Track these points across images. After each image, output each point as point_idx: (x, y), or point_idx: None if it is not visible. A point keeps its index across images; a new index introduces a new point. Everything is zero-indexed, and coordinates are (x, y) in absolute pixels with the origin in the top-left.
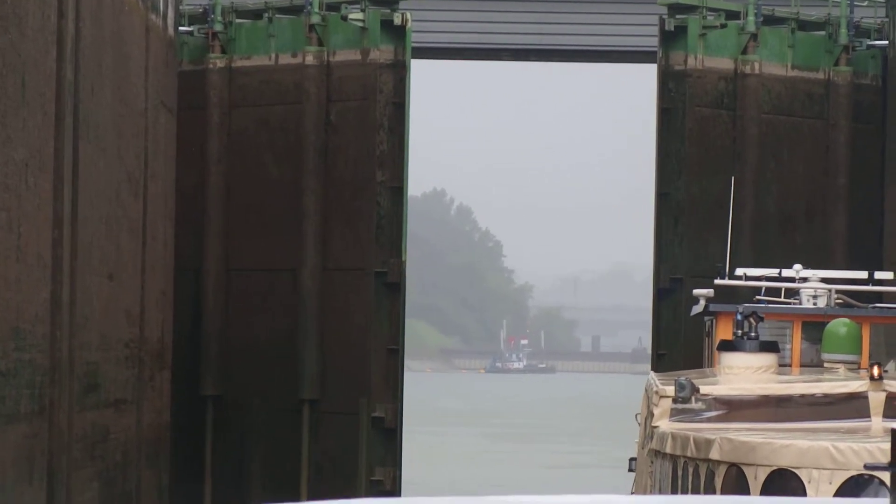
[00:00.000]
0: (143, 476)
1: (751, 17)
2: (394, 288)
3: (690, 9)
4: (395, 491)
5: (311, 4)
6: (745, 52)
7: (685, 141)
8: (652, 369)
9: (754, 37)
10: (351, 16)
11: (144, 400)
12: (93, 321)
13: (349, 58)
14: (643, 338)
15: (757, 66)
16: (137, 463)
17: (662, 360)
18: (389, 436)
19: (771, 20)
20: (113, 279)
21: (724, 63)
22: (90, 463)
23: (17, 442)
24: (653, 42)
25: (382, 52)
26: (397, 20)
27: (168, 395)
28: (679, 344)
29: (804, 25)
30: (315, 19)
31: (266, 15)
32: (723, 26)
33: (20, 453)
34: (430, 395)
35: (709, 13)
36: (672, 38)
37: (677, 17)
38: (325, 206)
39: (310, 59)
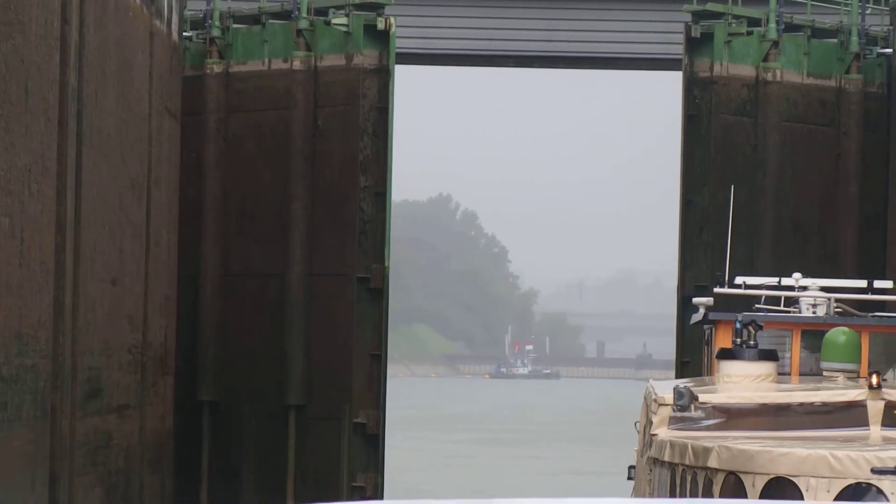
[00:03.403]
0: (145, 482)
1: (772, 25)
2: (377, 293)
3: (715, 16)
4: (377, 497)
5: (298, 10)
6: (766, 59)
7: (710, 148)
8: (676, 377)
9: (776, 44)
10: (335, 20)
11: (147, 405)
12: (95, 327)
13: (335, 63)
14: (647, 343)
15: (778, 73)
16: (140, 469)
17: (686, 367)
18: (371, 442)
19: (789, 27)
20: (116, 284)
21: (747, 70)
22: (92, 469)
23: (20, 447)
24: (668, 49)
25: (366, 57)
26: (381, 25)
27: (171, 401)
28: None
29: (817, 33)
30: (303, 24)
31: (261, 20)
32: (749, 33)
33: (22, 459)
34: (434, 399)
35: (733, 20)
36: (697, 44)
37: (702, 23)
38: (312, 212)
39: (297, 65)
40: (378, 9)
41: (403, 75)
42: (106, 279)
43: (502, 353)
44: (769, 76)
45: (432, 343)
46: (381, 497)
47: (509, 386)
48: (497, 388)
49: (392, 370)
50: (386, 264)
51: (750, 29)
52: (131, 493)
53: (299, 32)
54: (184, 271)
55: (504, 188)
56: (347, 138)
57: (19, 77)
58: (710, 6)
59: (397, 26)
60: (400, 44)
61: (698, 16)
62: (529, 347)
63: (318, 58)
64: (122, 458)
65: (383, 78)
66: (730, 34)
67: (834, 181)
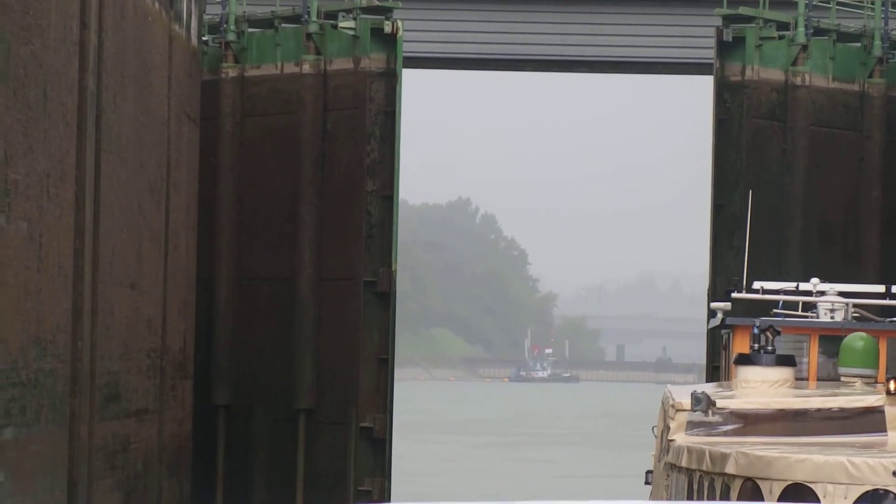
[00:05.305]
0: (164, 485)
1: (801, 29)
2: (384, 297)
3: (746, 19)
4: (384, 501)
5: (308, 13)
6: (794, 63)
7: (742, 152)
8: (707, 381)
9: (804, 48)
10: (342, 24)
11: (166, 409)
12: (114, 331)
13: (343, 66)
14: (667, 346)
15: (807, 77)
16: (158, 473)
17: (717, 371)
18: (378, 446)
19: (816, 31)
20: (135, 289)
21: (776, 74)
22: (111, 473)
23: (38, 451)
24: (695, 53)
25: (373, 61)
26: (388, 29)
27: (190, 405)
28: None
29: (842, 37)
30: (312, 28)
31: (274, 24)
32: (780, 37)
33: (41, 463)
34: (452, 403)
35: (763, 24)
36: (728, 48)
37: (732, 27)
38: (321, 216)
39: (307, 69)
40: (385, 13)
41: (422, 79)
42: (125, 283)
43: (522, 356)
44: (798, 80)
45: (452, 347)
46: (388, 500)
47: (528, 389)
48: (516, 391)
49: (412, 374)
50: (393, 268)
51: (780, 33)
52: (150, 496)
53: (309, 36)
54: (200, 274)
55: (524, 192)
56: (355, 142)
57: (38, 82)
58: (742, 10)
59: (410, 30)
60: (414, 48)
61: (729, 20)
62: (549, 351)
63: (327, 61)
64: (140, 462)
65: (390, 81)
66: (761, 38)
67: (857, 184)
